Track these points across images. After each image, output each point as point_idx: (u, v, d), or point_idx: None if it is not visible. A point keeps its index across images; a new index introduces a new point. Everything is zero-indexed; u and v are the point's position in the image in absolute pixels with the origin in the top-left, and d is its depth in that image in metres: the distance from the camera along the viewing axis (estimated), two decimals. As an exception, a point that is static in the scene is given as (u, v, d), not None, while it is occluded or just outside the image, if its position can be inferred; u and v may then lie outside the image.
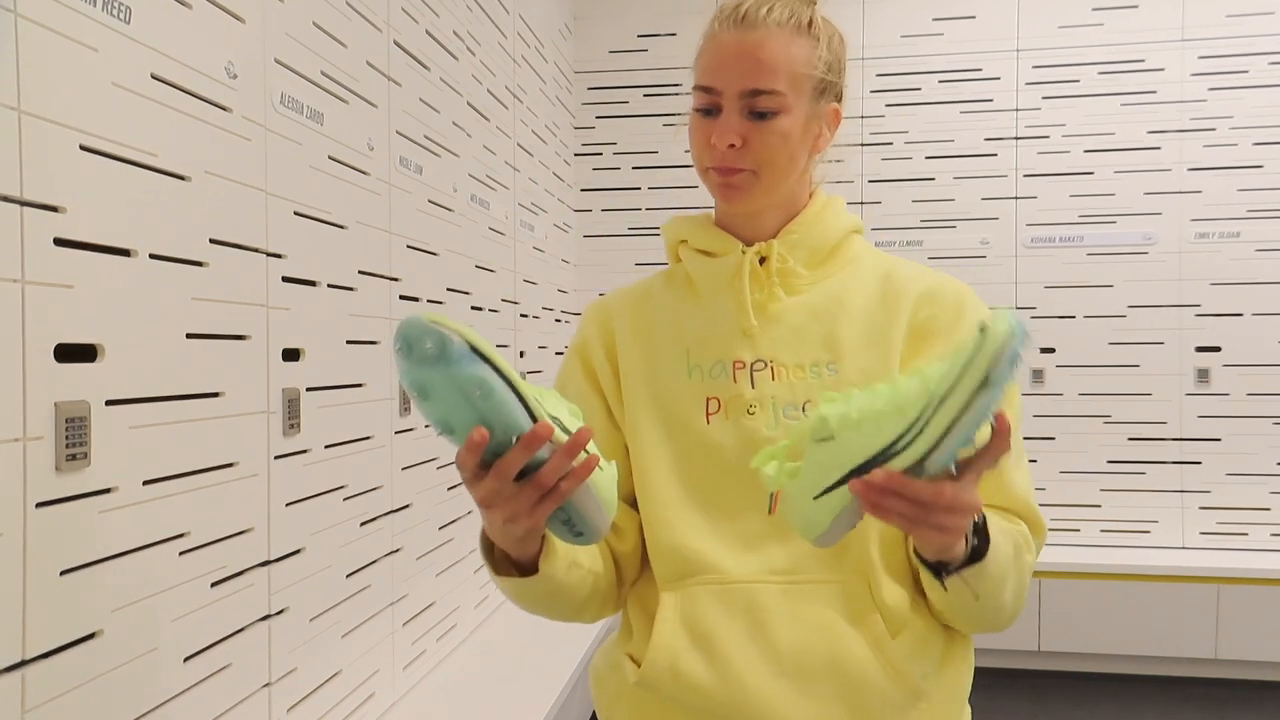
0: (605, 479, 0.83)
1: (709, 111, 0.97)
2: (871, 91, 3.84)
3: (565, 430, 0.79)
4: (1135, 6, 3.68)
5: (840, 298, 1.00)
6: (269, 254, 1.58)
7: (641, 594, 1.04)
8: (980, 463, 0.76)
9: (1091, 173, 3.72)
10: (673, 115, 3.89)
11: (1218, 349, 3.64)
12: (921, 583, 0.94)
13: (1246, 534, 3.63)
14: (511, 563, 0.94)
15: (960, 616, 0.95)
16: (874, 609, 0.93)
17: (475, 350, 0.73)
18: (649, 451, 1.00)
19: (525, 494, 0.79)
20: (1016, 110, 3.77)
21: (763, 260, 1.02)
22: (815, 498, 0.79)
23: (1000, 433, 0.75)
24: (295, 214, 1.67)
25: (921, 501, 0.75)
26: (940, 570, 0.89)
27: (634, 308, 1.08)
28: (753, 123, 0.96)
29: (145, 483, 1.27)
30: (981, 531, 0.87)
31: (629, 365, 1.04)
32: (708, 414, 0.98)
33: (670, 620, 0.96)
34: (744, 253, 1.02)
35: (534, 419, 0.77)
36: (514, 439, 0.76)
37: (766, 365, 0.98)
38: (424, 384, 0.74)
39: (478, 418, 0.75)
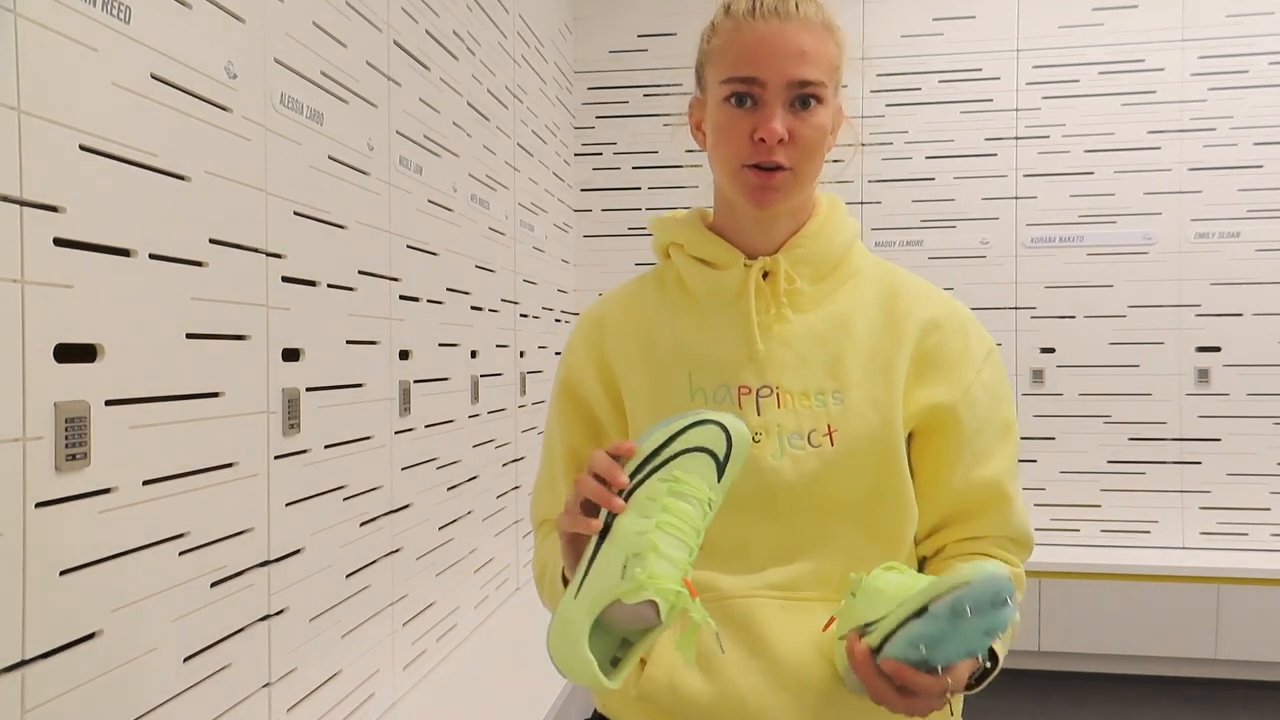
0: (563, 615, 0.84)
1: (743, 102, 0.93)
2: (871, 91, 3.84)
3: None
4: (1135, 6, 3.68)
5: (844, 319, 0.99)
6: (269, 254, 1.58)
7: None
8: (913, 686, 0.82)
9: (1091, 173, 3.72)
10: (673, 115, 3.89)
11: (1218, 349, 3.64)
12: None
13: (1246, 534, 3.63)
14: None
15: None
16: None
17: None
18: None
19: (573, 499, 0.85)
20: (1016, 110, 3.76)
21: (765, 274, 0.99)
22: (839, 637, 0.90)
23: (908, 682, 0.81)
24: (295, 214, 1.67)
25: (865, 677, 0.83)
26: None
27: (629, 322, 1.04)
28: (795, 114, 0.93)
29: (145, 483, 1.27)
30: (988, 673, 0.92)
31: (631, 385, 1.01)
32: None
33: (668, 639, 0.94)
34: (747, 267, 0.99)
35: (635, 479, 0.84)
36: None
37: (773, 392, 0.96)
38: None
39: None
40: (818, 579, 0.95)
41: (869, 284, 1.02)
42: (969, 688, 0.91)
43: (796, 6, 0.93)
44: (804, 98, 0.93)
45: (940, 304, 1.02)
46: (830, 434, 0.94)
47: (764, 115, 0.92)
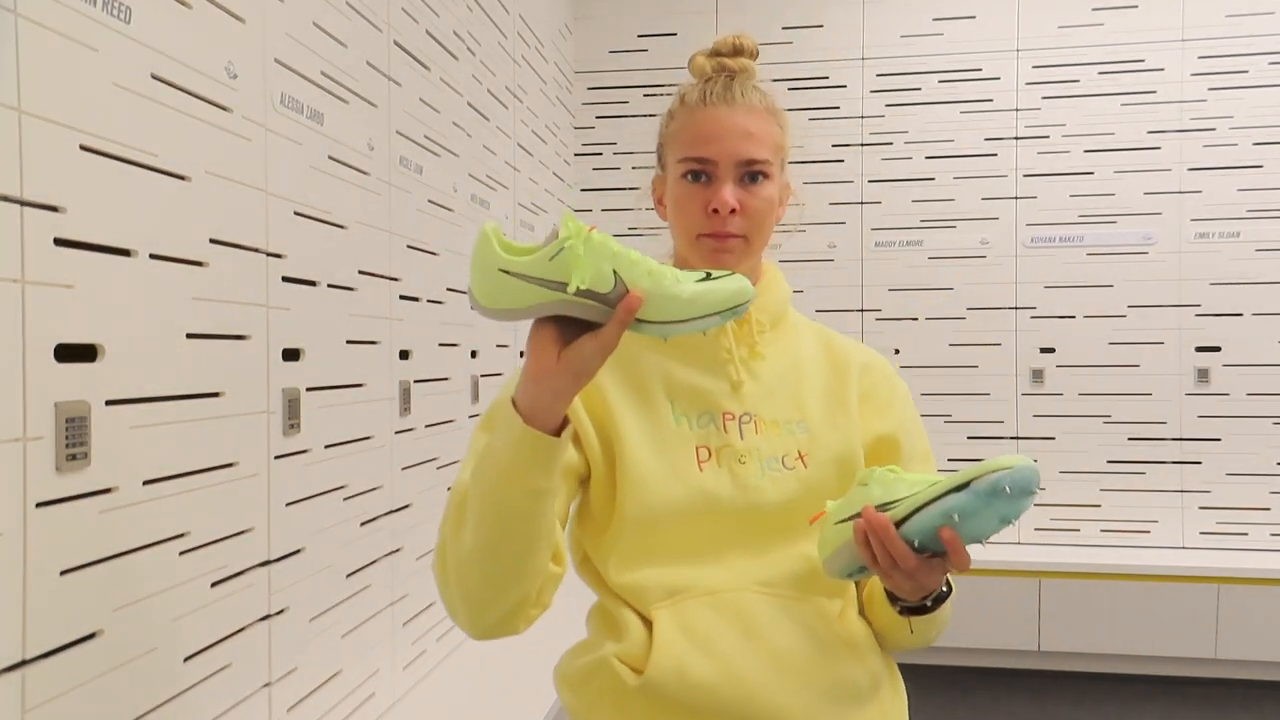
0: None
1: (698, 178, 1.06)
2: (871, 91, 3.84)
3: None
4: (1135, 6, 3.69)
5: (796, 360, 1.13)
6: (269, 254, 1.58)
7: (632, 598, 1.05)
8: (948, 559, 0.91)
9: (1091, 173, 3.73)
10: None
11: (1218, 349, 3.65)
12: (876, 607, 1.09)
13: (1246, 534, 3.63)
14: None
15: (891, 641, 1.10)
16: (841, 619, 1.06)
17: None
18: (654, 492, 1.03)
19: None
20: (1016, 110, 3.77)
21: None
22: (835, 523, 0.97)
23: (955, 551, 0.89)
24: (295, 214, 1.67)
25: (891, 554, 0.91)
26: (900, 605, 1.03)
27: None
28: (745, 189, 1.06)
29: (145, 483, 1.27)
30: (944, 597, 1.03)
31: (620, 407, 1.06)
32: (699, 461, 1.05)
33: (669, 628, 1.01)
34: None
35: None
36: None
37: (752, 419, 1.08)
38: None
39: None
40: (796, 580, 1.04)
41: (806, 334, 1.17)
42: (921, 610, 1.02)
43: (742, 93, 1.08)
44: (752, 174, 1.06)
45: (867, 352, 1.18)
46: (802, 457, 1.07)
47: (716, 191, 1.05)
